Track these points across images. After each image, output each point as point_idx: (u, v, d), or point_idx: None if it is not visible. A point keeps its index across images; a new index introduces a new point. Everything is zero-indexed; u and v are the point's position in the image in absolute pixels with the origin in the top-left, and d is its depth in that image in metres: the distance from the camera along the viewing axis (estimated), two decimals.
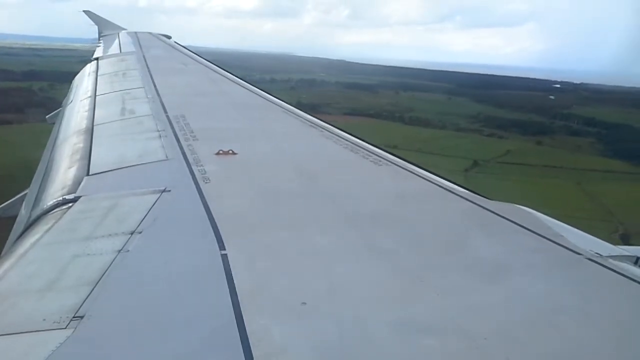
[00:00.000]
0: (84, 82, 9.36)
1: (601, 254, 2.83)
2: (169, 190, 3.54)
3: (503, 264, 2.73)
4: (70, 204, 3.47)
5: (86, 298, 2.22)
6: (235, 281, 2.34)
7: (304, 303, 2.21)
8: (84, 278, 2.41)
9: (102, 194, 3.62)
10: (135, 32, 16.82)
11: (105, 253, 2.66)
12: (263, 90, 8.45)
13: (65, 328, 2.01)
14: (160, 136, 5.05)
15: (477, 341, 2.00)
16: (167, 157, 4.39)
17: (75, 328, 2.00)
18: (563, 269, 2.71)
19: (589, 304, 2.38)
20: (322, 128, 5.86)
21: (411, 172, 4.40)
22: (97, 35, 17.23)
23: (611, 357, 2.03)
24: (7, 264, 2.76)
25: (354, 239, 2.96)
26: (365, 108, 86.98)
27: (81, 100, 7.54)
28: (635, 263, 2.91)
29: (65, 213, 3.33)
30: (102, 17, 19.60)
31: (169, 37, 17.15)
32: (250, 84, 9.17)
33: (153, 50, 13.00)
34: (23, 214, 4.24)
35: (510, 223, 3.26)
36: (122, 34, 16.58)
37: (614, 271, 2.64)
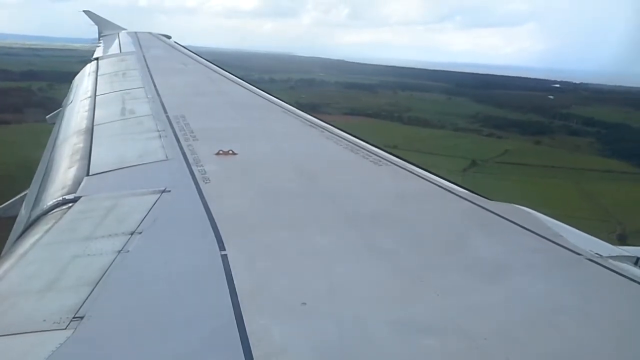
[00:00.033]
0: (84, 82, 9.36)
1: (601, 254, 2.83)
2: (169, 191, 3.54)
3: (503, 264, 2.73)
4: (70, 204, 3.47)
5: (86, 298, 2.22)
6: (235, 281, 2.34)
7: (304, 303, 2.21)
8: (84, 278, 2.42)
9: (102, 194, 3.62)
10: (135, 32, 16.82)
11: (105, 253, 2.66)
12: (263, 90, 8.45)
13: (65, 329, 2.01)
14: (160, 136, 5.05)
15: (477, 341, 2.01)
16: (167, 157, 4.39)
17: (75, 328, 2.00)
18: (563, 270, 2.71)
19: (589, 305, 2.38)
20: (322, 128, 5.86)
21: (411, 172, 4.40)
22: (97, 35, 17.24)
23: (611, 358, 2.03)
24: (7, 264, 2.76)
25: (354, 239, 2.96)
26: (364, 108, 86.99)
27: (81, 101, 7.54)
28: (635, 263, 2.91)
29: (65, 213, 3.33)
30: (102, 17, 19.60)
31: (169, 37, 17.15)
32: (250, 84, 9.18)
33: (153, 50, 13.00)
34: (23, 214, 4.24)
35: (510, 223, 3.26)
36: (122, 34, 16.58)
37: (614, 271, 2.64)
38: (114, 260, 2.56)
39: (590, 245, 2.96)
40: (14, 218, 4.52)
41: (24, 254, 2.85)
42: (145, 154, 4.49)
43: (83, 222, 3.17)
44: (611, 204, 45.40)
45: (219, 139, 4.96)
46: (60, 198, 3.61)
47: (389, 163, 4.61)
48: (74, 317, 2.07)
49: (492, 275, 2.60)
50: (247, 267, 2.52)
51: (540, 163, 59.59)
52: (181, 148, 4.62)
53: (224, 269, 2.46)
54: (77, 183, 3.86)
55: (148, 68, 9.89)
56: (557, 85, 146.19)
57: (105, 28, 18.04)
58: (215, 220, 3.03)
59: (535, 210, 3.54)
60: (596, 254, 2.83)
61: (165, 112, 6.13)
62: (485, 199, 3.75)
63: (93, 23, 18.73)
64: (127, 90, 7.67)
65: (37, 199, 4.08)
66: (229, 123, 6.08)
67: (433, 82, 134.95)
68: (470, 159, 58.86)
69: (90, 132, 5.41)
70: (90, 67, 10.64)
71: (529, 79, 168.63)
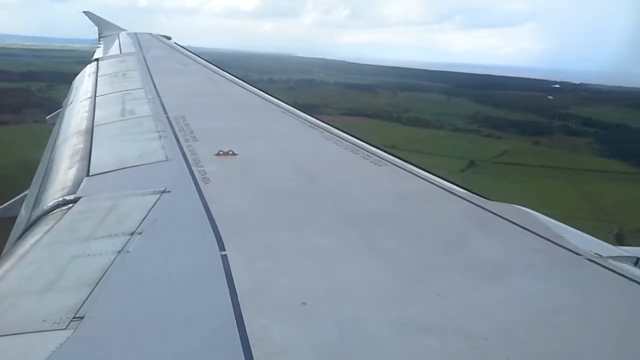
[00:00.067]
0: (84, 82, 9.36)
1: (601, 254, 2.83)
2: (169, 191, 3.54)
3: (503, 264, 2.74)
4: (70, 205, 3.47)
5: (86, 299, 2.22)
6: (235, 281, 2.34)
7: (304, 303, 2.21)
8: (84, 279, 2.41)
9: (102, 195, 3.62)
10: (135, 33, 16.83)
11: (105, 254, 2.66)
12: (262, 91, 8.46)
13: (65, 329, 2.01)
14: (160, 137, 5.05)
15: (477, 341, 2.01)
16: (167, 157, 4.39)
17: (76, 329, 2.00)
18: (563, 270, 2.72)
19: (589, 305, 2.39)
20: (322, 128, 5.87)
21: (411, 172, 4.41)
22: (97, 36, 17.25)
23: (611, 358, 2.03)
24: (7, 264, 2.76)
25: (353, 239, 2.96)
26: (363, 108, 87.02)
27: (81, 101, 7.54)
28: (635, 264, 2.91)
29: (65, 214, 3.33)
30: (102, 18, 19.61)
31: (169, 38, 17.16)
32: (250, 85, 9.18)
33: (153, 51, 13.01)
34: (23, 214, 4.24)
35: (510, 223, 3.26)
36: (122, 34, 16.59)
37: (614, 272, 2.64)
38: (114, 261, 2.56)
39: (590, 245, 2.96)
40: (14, 218, 4.52)
41: (24, 254, 2.85)
42: (145, 155, 4.49)
43: (83, 223, 3.17)
44: (609, 204, 45.42)
45: (219, 139, 4.96)
46: (61, 198, 3.61)
47: (389, 163, 4.61)
48: (74, 317, 2.07)
49: (492, 276, 2.60)
50: (247, 267, 2.52)
51: (539, 163, 59.61)
52: (181, 148, 4.62)
53: (224, 269, 2.46)
54: (77, 183, 3.86)
55: (148, 69, 9.89)
56: (557, 86, 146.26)
57: (105, 29, 18.05)
58: (215, 221, 3.03)
59: (534, 210, 3.54)
60: (596, 254, 2.83)
61: (165, 112, 6.13)
62: (485, 199, 3.75)
63: (93, 24, 18.74)
64: (127, 91, 7.67)
65: (37, 200, 4.08)
66: (229, 123, 6.08)
67: (432, 82, 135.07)
68: (468, 159, 58.88)
69: (90, 132, 5.41)
70: (90, 68, 10.65)
71: (529, 79, 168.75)
